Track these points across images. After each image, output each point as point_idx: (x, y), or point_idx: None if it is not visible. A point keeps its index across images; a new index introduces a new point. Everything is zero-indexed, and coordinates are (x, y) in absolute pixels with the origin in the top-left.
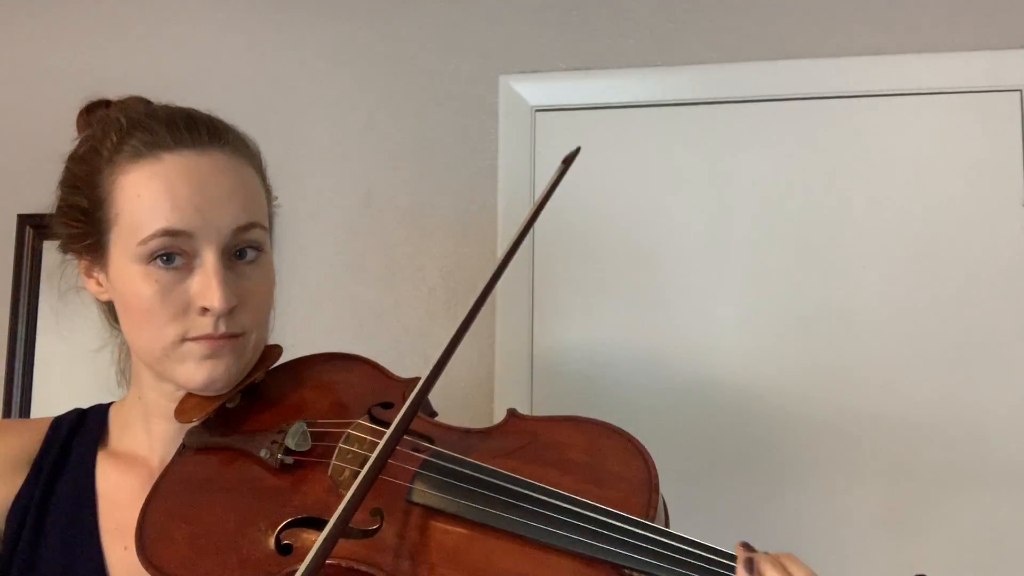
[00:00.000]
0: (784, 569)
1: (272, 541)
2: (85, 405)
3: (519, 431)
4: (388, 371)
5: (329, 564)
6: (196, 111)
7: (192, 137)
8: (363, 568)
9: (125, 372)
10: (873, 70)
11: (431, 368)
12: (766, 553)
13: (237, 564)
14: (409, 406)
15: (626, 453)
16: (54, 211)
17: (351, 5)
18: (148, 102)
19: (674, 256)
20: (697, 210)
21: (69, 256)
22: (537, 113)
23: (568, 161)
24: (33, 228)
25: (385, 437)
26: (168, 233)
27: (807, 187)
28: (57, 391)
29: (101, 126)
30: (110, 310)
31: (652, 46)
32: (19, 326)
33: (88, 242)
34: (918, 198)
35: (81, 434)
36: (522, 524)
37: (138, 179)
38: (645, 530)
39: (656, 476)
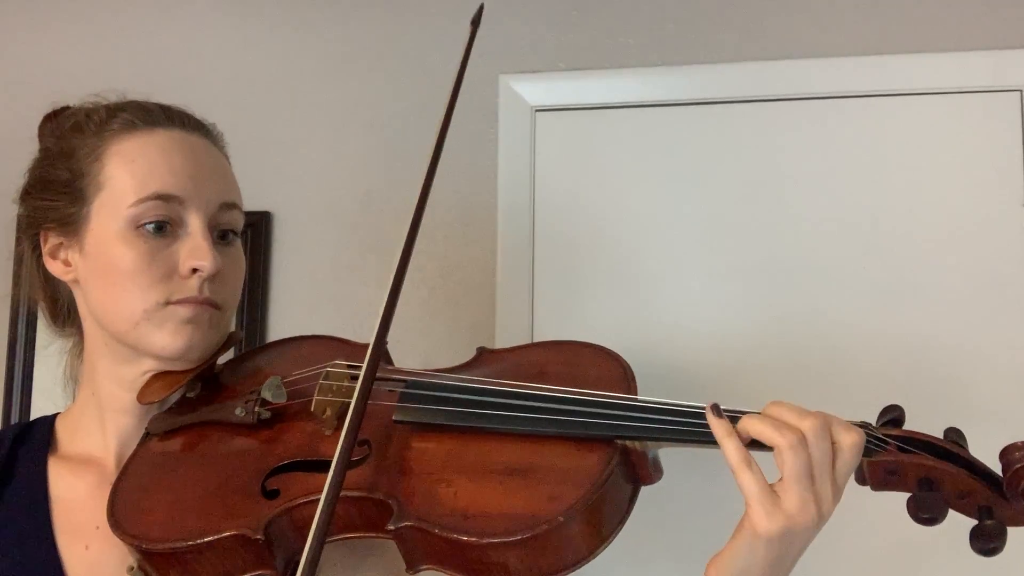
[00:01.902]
0: (762, 413)
1: (258, 489)
2: None
3: (494, 361)
4: (348, 339)
5: (316, 500)
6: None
7: (181, 119)
8: (359, 494)
9: (73, 375)
10: (873, 70)
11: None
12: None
13: (223, 515)
14: (382, 319)
15: (600, 357)
16: (21, 194)
17: (351, 5)
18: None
19: (674, 256)
20: (697, 210)
21: (28, 239)
22: (537, 113)
23: (475, 22)
24: None
25: (369, 350)
26: (162, 197)
27: (807, 187)
28: (58, 392)
29: (84, 109)
30: (62, 307)
31: (652, 46)
32: (19, 326)
33: (64, 213)
34: (918, 198)
35: (27, 443)
36: (511, 419)
37: (133, 147)
38: (627, 400)
39: (632, 374)
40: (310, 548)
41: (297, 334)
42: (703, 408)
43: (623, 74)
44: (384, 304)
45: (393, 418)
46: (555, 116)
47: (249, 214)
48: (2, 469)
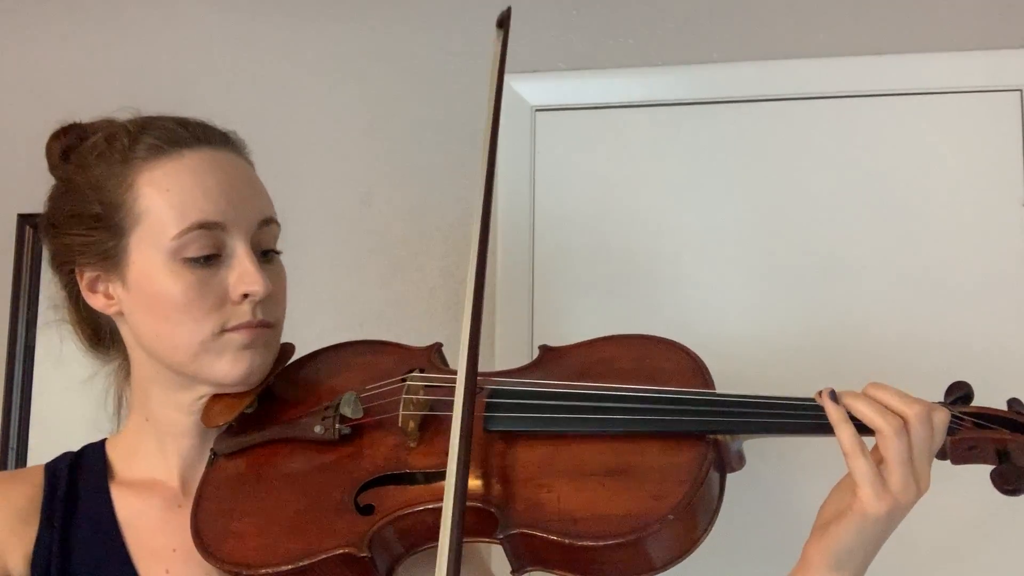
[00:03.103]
0: (865, 395)
1: (351, 505)
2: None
3: (561, 360)
4: (403, 344)
5: (415, 512)
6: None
7: (207, 135)
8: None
9: (123, 399)
10: (873, 70)
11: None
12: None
13: (321, 535)
14: (470, 334)
15: (669, 350)
16: (47, 228)
17: (351, 5)
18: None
19: (674, 255)
20: (697, 209)
21: (63, 274)
22: (537, 113)
23: (502, 24)
24: (33, 228)
25: (462, 364)
26: (203, 226)
27: (807, 187)
28: (57, 391)
29: (103, 135)
30: (104, 334)
31: (652, 46)
32: (19, 326)
33: (101, 249)
34: (918, 198)
35: (84, 471)
36: (602, 421)
37: (164, 175)
38: (714, 395)
39: (705, 366)
40: (449, 560)
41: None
42: (789, 399)
43: (623, 74)
44: (468, 329)
45: (484, 427)
46: (555, 116)
47: None
48: (66, 498)
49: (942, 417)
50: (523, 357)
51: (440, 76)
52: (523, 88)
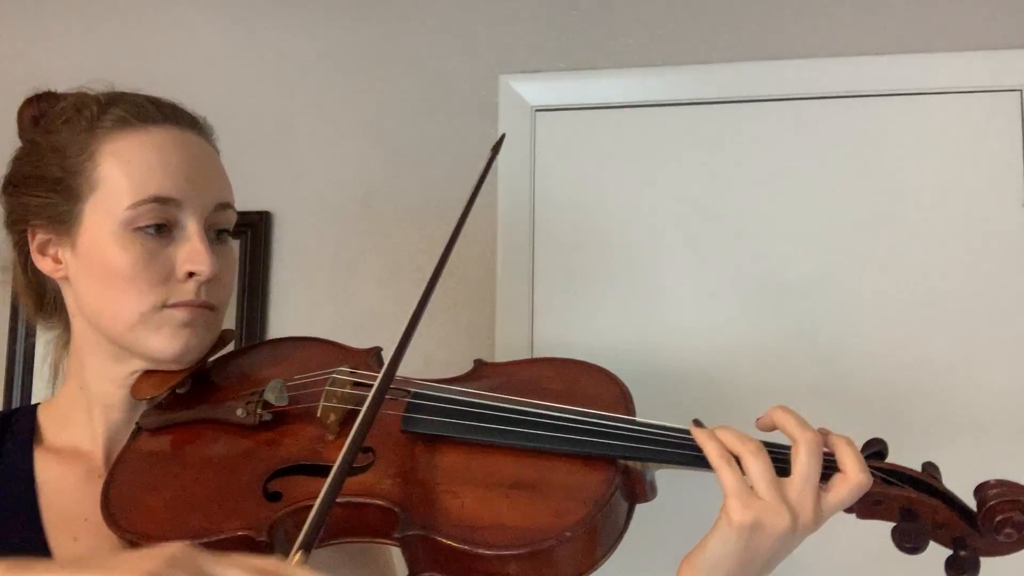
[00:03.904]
0: (729, 428)
1: (260, 491)
2: None
3: (493, 374)
4: (344, 344)
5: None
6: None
7: (175, 115)
8: (363, 500)
9: (59, 367)
10: (873, 70)
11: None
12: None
13: (224, 515)
14: (401, 340)
15: (599, 378)
16: (5, 187)
17: (351, 5)
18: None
19: (674, 255)
20: (697, 209)
21: (15, 234)
22: (537, 113)
23: (496, 149)
24: None
25: (384, 368)
26: (159, 200)
27: (806, 187)
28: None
29: (73, 102)
30: (48, 299)
31: (652, 46)
32: (19, 325)
33: (55, 212)
34: (918, 198)
35: (12, 430)
36: (517, 435)
37: (127, 146)
38: (632, 423)
39: (630, 395)
40: (306, 532)
41: (293, 334)
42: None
43: (623, 74)
44: (408, 318)
45: (401, 427)
46: (555, 116)
47: (249, 214)
48: None
49: (861, 479)
50: (523, 356)
51: (440, 76)
52: (523, 88)
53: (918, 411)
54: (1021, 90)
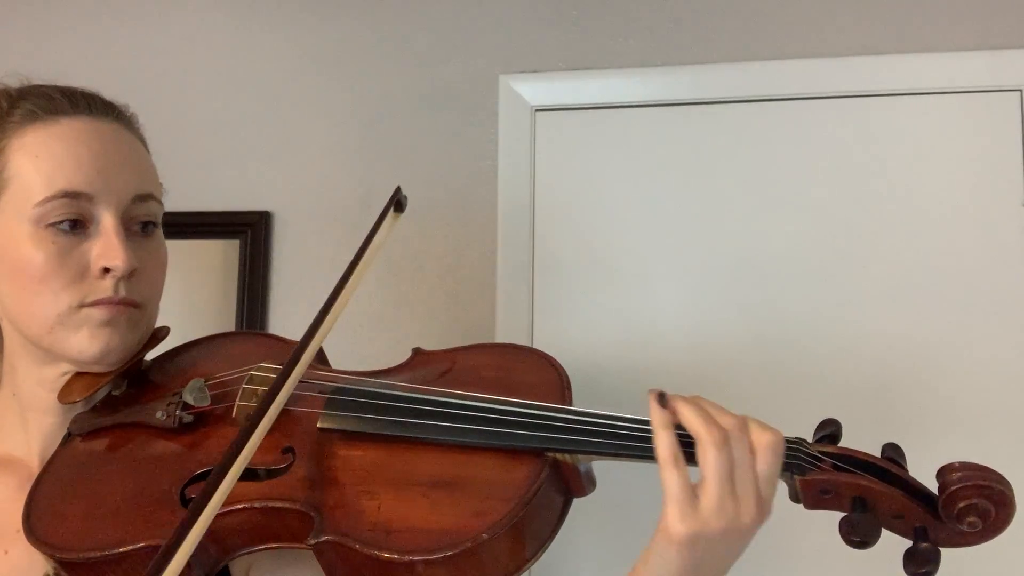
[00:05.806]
0: (694, 402)
1: (176, 498)
2: None
3: (429, 363)
4: (284, 337)
5: (243, 508)
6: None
7: (89, 104)
8: (281, 505)
9: None
10: (873, 70)
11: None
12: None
13: (139, 525)
14: (308, 331)
15: (537, 364)
16: None
17: (351, 5)
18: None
19: (674, 255)
20: (697, 210)
21: None
22: (537, 113)
23: (394, 202)
24: None
25: (286, 363)
26: (69, 195)
27: (806, 187)
28: None
29: None
30: None
31: (652, 46)
32: None
33: None
34: (918, 198)
35: None
36: (438, 428)
37: (35, 140)
38: (559, 412)
39: (568, 380)
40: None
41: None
42: (639, 421)
43: (623, 74)
44: (320, 307)
45: (318, 425)
46: (555, 116)
47: (249, 214)
48: None
49: (768, 437)
50: None
51: (441, 76)
52: (523, 88)
53: (918, 411)
54: (1021, 90)
